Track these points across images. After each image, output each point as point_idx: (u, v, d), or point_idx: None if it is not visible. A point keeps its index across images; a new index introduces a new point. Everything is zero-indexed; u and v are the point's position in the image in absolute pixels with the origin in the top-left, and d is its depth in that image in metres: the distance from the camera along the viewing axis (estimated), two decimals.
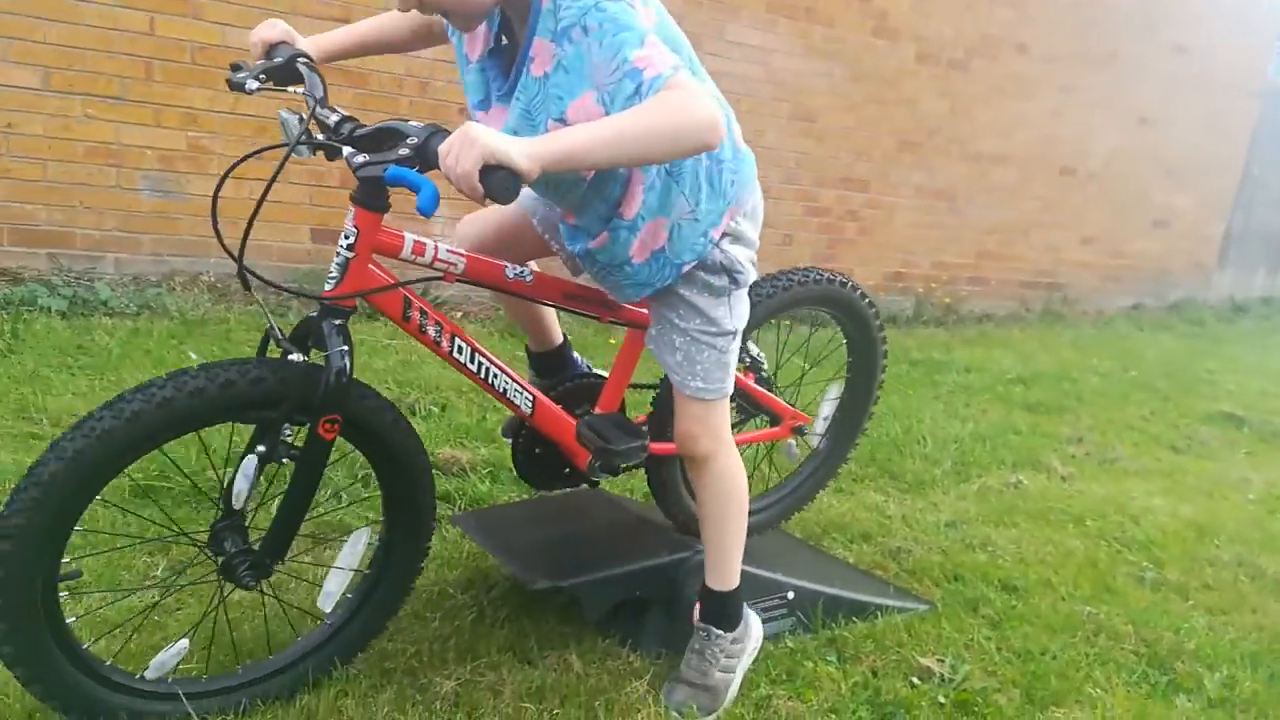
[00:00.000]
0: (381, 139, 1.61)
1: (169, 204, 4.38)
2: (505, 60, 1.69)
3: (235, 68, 1.77)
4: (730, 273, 1.86)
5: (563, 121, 1.57)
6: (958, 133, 7.06)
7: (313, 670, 1.88)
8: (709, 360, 1.89)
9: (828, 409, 2.73)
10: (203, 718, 1.72)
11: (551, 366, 2.28)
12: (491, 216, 2.07)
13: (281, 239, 4.59)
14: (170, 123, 4.32)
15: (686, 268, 1.83)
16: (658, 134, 1.42)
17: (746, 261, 1.89)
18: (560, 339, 2.29)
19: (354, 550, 1.88)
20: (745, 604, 2.12)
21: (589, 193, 1.73)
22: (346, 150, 1.59)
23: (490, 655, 2.06)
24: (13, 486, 1.50)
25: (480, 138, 1.33)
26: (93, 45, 4.09)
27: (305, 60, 1.78)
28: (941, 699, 2.13)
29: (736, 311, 1.91)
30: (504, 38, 1.68)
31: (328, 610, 1.90)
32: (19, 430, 2.82)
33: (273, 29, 1.80)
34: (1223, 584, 2.95)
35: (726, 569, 2.05)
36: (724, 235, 1.83)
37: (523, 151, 1.35)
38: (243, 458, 1.66)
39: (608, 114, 1.50)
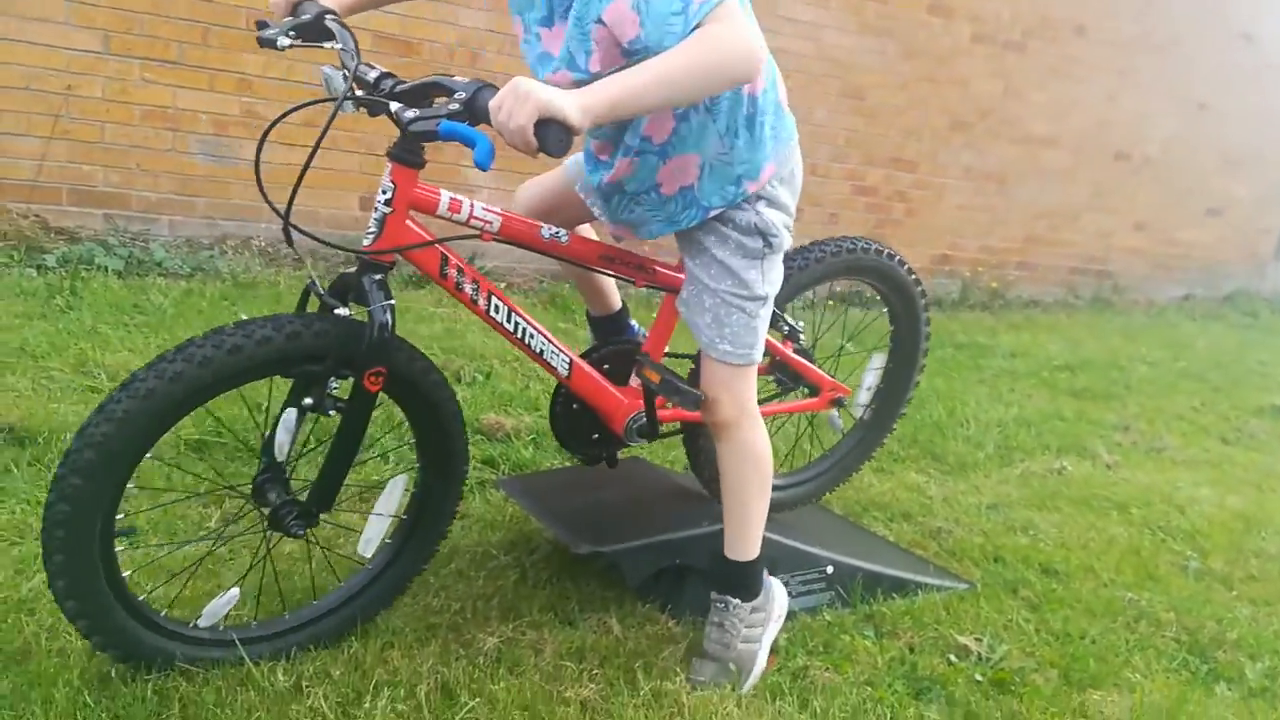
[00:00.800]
0: (425, 94, 1.62)
1: (221, 169, 4.45)
2: None
3: (261, 25, 1.75)
4: (765, 236, 1.85)
5: (601, 24, 1.55)
6: (1010, 114, 6.94)
7: (359, 615, 1.93)
8: (738, 324, 1.88)
9: (871, 379, 2.71)
10: (255, 662, 1.77)
11: (609, 331, 2.30)
12: (544, 182, 2.09)
13: (330, 205, 4.64)
14: (225, 88, 4.38)
15: (713, 212, 1.83)
16: (701, 74, 1.44)
17: (782, 226, 1.88)
18: (618, 305, 2.31)
19: (391, 496, 1.91)
20: (772, 575, 2.13)
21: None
22: (395, 105, 1.58)
23: (532, 615, 2.10)
24: (66, 448, 1.54)
25: (534, 92, 1.34)
26: (150, 9, 4.15)
27: (333, 16, 1.77)
28: (978, 677, 2.13)
29: (769, 277, 1.90)
30: None
31: (368, 555, 1.94)
32: (79, 384, 2.90)
33: None
34: (1268, 575, 2.91)
35: (745, 540, 2.02)
36: (760, 198, 1.83)
37: (575, 104, 1.36)
38: (282, 411, 1.69)
39: (640, 20, 1.49)
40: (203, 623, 1.78)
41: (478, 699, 1.78)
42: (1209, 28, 7.64)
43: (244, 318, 1.65)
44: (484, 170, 1.40)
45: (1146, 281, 8.26)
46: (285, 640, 1.85)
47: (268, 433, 1.74)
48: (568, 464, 2.87)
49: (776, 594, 2.10)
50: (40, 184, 4.11)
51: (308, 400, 1.68)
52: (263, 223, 4.57)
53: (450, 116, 1.49)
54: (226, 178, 4.48)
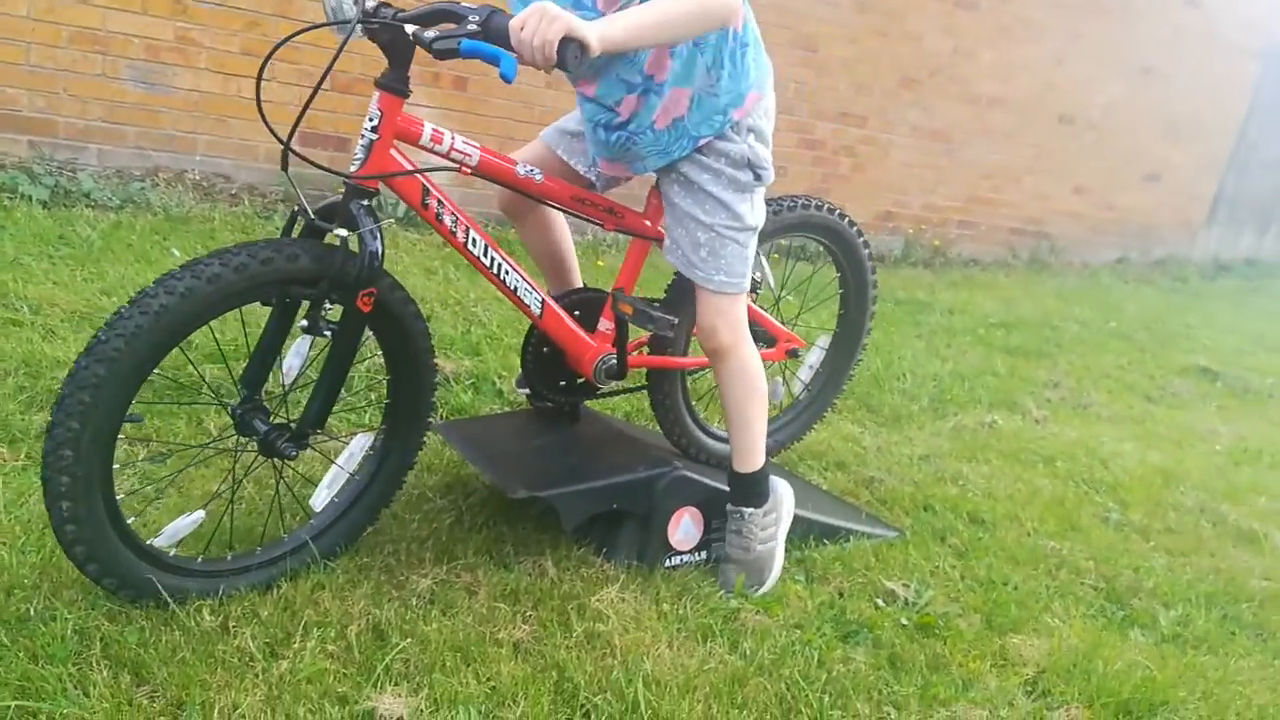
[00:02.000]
0: (436, 18, 1.67)
1: (154, 96, 4.28)
2: None
3: None
4: (754, 168, 1.99)
5: None
6: (959, 73, 6.97)
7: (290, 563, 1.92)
8: (732, 255, 2.01)
9: (815, 357, 2.76)
10: (181, 595, 1.75)
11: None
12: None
13: (301, 145, 4.51)
14: (158, 11, 4.19)
15: (702, 141, 1.95)
16: (695, 17, 1.66)
17: (768, 160, 2.02)
18: (579, 284, 2.32)
19: (352, 454, 1.96)
20: (705, 519, 2.25)
21: (616, 57, 1.81)
22: (412, 28, 1.63)
23: (467, 557, 2.09)
24: (69, 370, 1.55)
25: (561, 14, 1.48)
26: None
27: None
28: (904, 620, 2.19)
29: (758, 208, 2.05)
30: None
31: (318, 509, 1.96)
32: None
33: None
34: (1184, 528, 3.03)
35: (751, 452, 2.18)
36: (750, 131, 1.97)
37: (594, 31, 1.52)
38: (269, 335, 1.76)
39: None
40: (159, 541, 1.77)
41: (409, 639, 1.78)
42: None
43: (177, 255, 1.64)
44: (509, 82, 1.50)
45: (1082, 244, 8.43)
46: (218, 581, 1.82)
47: (248, 364, 1.80)
48: (506, 410, 2.86)
49: (783, 493, 2.28)
50: None
51: (303, 323, 1.73)
52: (197, 155, 4.42)
53: (472, 36, 1.57)
54: (159, 106, 4.31)
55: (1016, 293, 6.59)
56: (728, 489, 2.30)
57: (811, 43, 6.18)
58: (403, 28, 1.64)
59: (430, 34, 1.62)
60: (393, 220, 4.52)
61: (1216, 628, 2.43)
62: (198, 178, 4.45)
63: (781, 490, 2.27)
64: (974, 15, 6.84)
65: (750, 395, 2.15)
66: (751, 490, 2.20)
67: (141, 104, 4.27)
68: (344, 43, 1.62)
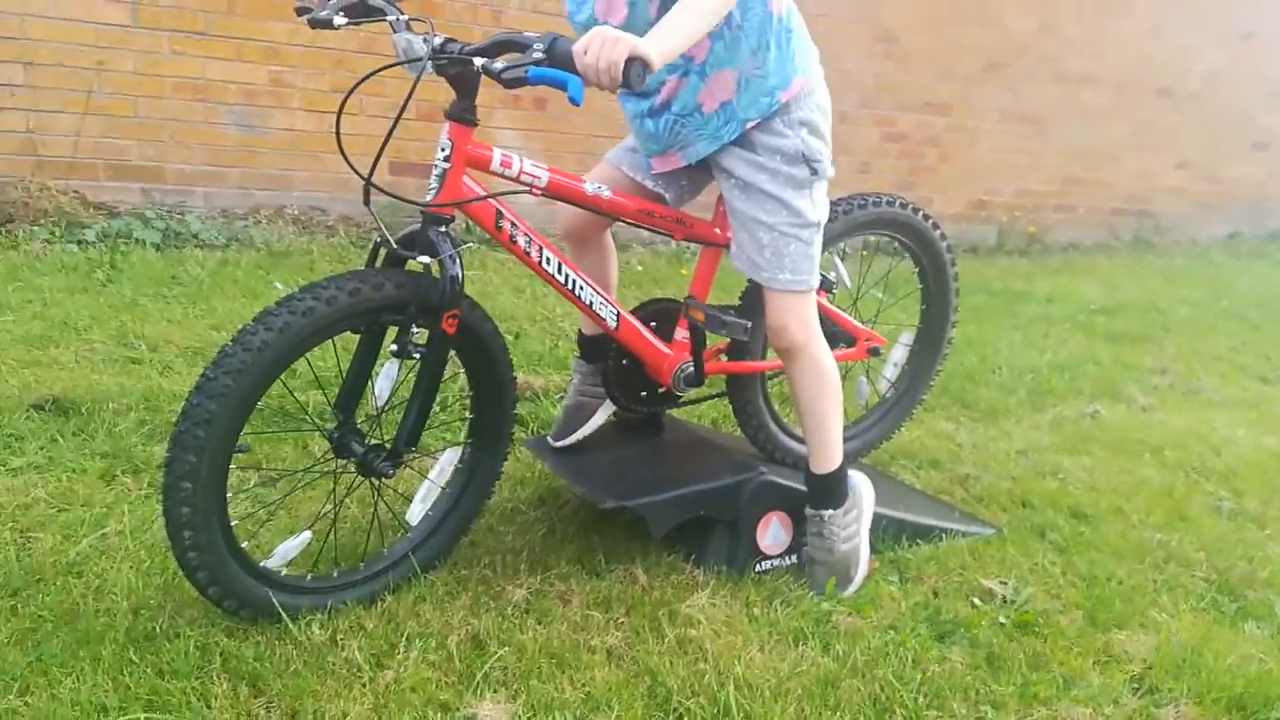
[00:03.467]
0: (502, 49, 1.74)
1: (252, 138, 4.51)
2: None
3: (302, 10, 1.89)
4: (810, 162, 2.00)
5: None
6: (1046, 52, 6.78)
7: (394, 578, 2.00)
8: (796, 253, 2.02)
9: (899, 354, 2.74)
10: (294, 611, 1.85)
11: (600, 352, 2.34)
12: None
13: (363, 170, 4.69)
14: (252, 57, 4.42)
15: (750, 124, 1.97)
16: (715, 9, 1.71)
17: (825, 154, 2.03)
18: None
19: (443, 469, 2.06)
20: (795, 522, 2.25)
21: None
22: (480, 61, 1.69)
23: (560, 567, 2.15)
24: (182, 406, 1.66)
25: (623, 36, 1.54)
26: None
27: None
28: (1002, 619, 2.15)
29: (819, 203, 2.05)
30: None
31: (414, 523, 2.05)
32: (119, 355, 2.99)
33: None
34: None
35: (829, 452, 2.18)
36: (802, 125, 1.99)
37: (653, 47, 1.58)
38: (360, 361, 1.85)
39: None
40: (271, 563, 1.88)
41: (506, 648, 1.84)
42: None
43: (280, 287, 1.75)
44: (577, 105, 1.58)
45: (1189, 221, 8.08)
46: (328, 596, 1.92)
47: (341, 390, 1.90)
48: None
49: (861, 488, 2.27)
50: (77, 160, 4.20)
51: (393, 347, 1.82)
52: (294, 191, 4.64)
53: (538, 64, 1.63)
54: (258, 147, 4.54)
55: (1120, 276, 6.36)
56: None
57: (890, 34, 6.11)
58: (471, 61, 1.70)
59: (499, 65, 1.67)
60: (472, 245, 4.64)
61: None
62: (296, 213, 4.66)
63: (860, 485, 2.27)
64: None
65: (824, 393, 2.15)
66: (830, 491, 2.20)
67: (242, 145, 4.51)
68: (416, 81, 1.70)
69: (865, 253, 2.88)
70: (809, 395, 2.15)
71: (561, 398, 3.07)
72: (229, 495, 1.76)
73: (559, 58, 1.61)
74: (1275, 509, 2.90)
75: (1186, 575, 2.44)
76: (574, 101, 1.58)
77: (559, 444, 2.39)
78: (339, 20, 1.84)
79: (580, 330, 2.40)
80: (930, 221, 2.57)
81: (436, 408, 2.84)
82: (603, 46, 1.55)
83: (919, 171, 6.57)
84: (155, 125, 4.33)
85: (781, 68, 1.95)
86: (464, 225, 4.52)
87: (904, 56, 6.22)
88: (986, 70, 6.59)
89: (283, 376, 1.73)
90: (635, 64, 1.55)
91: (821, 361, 2.13)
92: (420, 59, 1.74)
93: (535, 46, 1.64)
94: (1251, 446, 3.40)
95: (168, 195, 4.42)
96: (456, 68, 1.75)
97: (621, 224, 2.19)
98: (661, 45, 1.62)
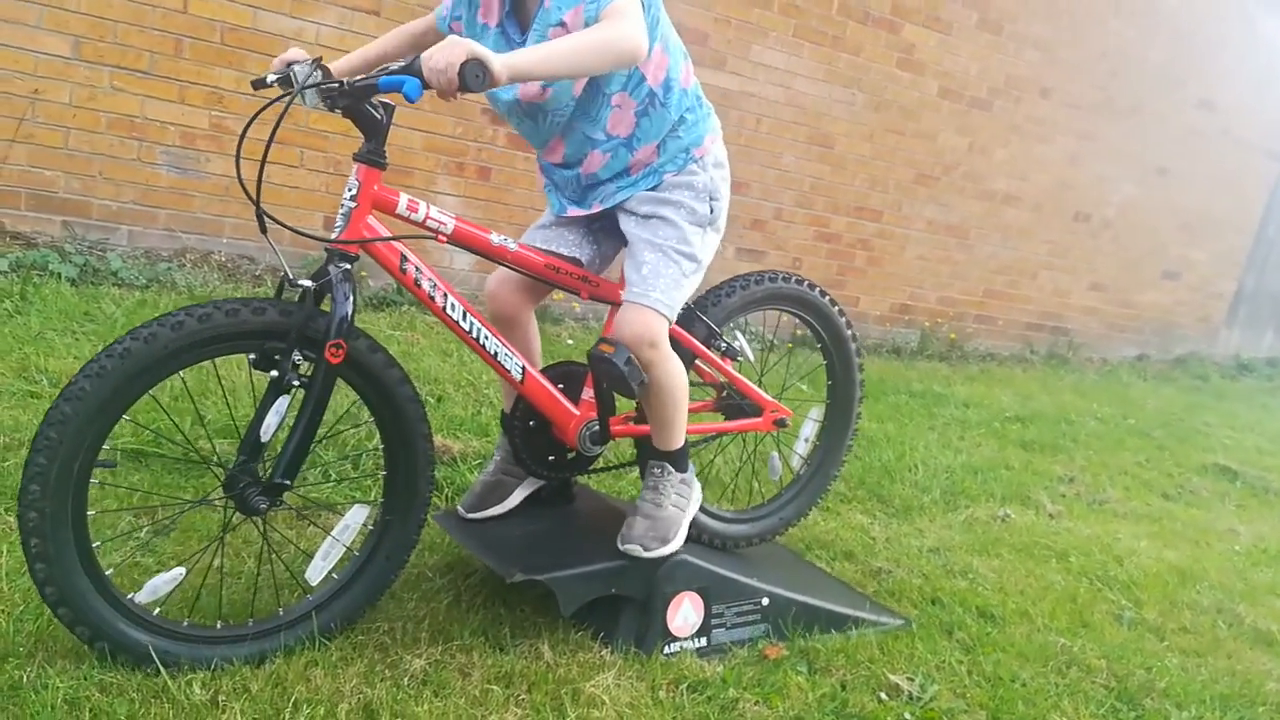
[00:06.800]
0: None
1: (187, 181, 4.43)
2: (520, 14, 1.97)
3: (258, 83, 2.02)
4: (712, 200, 2.14)
5: (562, 27, 1.87)
6: (974, 170, 7.09)
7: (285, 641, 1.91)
8: (671, 276, 2.06)
9: (809, 429, 2.76)
10: (171, 665, 1.74)
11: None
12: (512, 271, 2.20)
13: (294, 222, 4.63)
14: (195, 101, 4.37)
15: (666, 175, 2.10)
16: (599, 50, 1.76)
17: (724, 199, 2.18)
18: None
19: (348, 526, 1.96)
20: (707, 604, 2.24)
21: (576, 115, 2.00)
22: (346, 80, 1.78)
23: (462, 638, 2.08)
24: (32, 436, 1.60)
25: (465, 42, 1.63)
26: (125, 18, 4.15)
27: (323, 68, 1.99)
28: (908, 716, 2.14)
29: (706, 246, 2.15)
30: None
31: (314, 583, 1.95)
32: (18, 389, 2.86)
33: (298, 54, 2.01)
34: (1200, 628, 2.96)
35: (673, 434, 2.24)
36: (714, 165, 2.15)
37: (498, 59, 1.64)
38: (264, 401, 1.80)
39: (587, 23, 1.84)
40: (141, 598, 1.79)
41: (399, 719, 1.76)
42: (1170, 94, 7.87)
43: None
44: (412, 101, 1.67)
45: (1101, 340, 8.42)
46: (210, 650, 1.82)
47: (247, 430, 1.83)
48: None
49: (695, 485, 2.33)
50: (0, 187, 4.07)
51: (273, 372, 1.78)
52: (224, 238, 4.55)
53: (390, 73, 1.71)
54: (190, 190, 4.46)
55: (1034, 387, 6.57)
56: (731, 575, 2.29)
57: (828, 140, 6.33)
58: (341, 81, 1.78)
59: (358, 77, 1.79)
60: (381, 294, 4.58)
61: None
62: (223, 259, 4.57)
63: (694, 484, 2.32)
64: (987, 115, 6.99)
65: (672, 394, 2.16)
66: (673, 459, 2.26)
67: (174, 188, 4.42)
68: (287, 107, 1.76)
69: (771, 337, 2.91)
70: (658, 399, 2.14)
71: (481, 465, 3.02)
72: (90, 514, 1.70)
73: (413, 69, 1.70)
74: (1173, 620, 2.97)
75: (1087, 681, 2.46)
76: (408, 98, 1.67)
77: (470, 516, 2.34)
78: (313, 99, 1.87)
79: (503, 411, 2.37)
80: (827, 298, 2.62)
81: (348, 465, 2.79)
82: (445, 49, 1.64)
83: (848, 271, 6.75)
84: (85, 159, 4.23)
85: (693, 130, 2.11)
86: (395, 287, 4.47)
87: (840, 161, 6.44)
88: (917, 181, 6.85)
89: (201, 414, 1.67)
90: (471, 64, 1.62)
91: (670, 372, 2.12)
92: (301, 89, 1.85)
93: (400, 64, 1.76)
94: (1153, 559, 3.49)
95: (90, 230, 4.30)
96: (345, 100, 1.80)
97: (553, 299, 2.19)
98: (512, 58, 1.68)
